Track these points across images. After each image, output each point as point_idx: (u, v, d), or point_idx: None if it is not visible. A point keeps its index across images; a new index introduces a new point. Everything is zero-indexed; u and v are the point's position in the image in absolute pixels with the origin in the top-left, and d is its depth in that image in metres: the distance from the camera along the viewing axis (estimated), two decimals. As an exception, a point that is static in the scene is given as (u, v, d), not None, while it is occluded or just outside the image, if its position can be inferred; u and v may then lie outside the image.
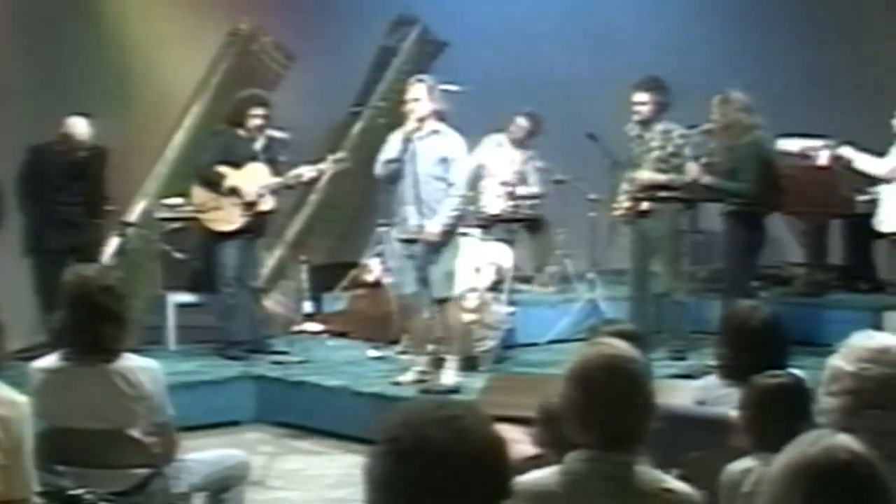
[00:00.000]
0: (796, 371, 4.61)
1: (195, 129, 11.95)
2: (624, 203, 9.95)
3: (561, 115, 11.93)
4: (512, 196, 11.66)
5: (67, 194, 10.34)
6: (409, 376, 9.23)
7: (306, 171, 10.31)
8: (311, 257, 12.27)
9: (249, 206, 10.15)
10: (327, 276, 12.26)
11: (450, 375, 9.16)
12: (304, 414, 9.54)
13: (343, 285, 12.09)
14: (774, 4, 13.05)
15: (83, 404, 5.44)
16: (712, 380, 5.62)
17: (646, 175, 9.77)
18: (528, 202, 11.81)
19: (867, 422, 3.31)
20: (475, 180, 11.13)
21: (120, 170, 10.65)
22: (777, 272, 11.84)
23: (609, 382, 3.48)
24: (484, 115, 11.10)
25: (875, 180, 10.52)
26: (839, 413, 3.46)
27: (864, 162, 10.48)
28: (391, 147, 8.97)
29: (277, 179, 10.18)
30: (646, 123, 9.80)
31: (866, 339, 3.54)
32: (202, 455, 5.97)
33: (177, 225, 10.98)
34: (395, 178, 8.96)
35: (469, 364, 9.53)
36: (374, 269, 11.29)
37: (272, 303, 11.67)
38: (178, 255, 10.92)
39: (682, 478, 3.61)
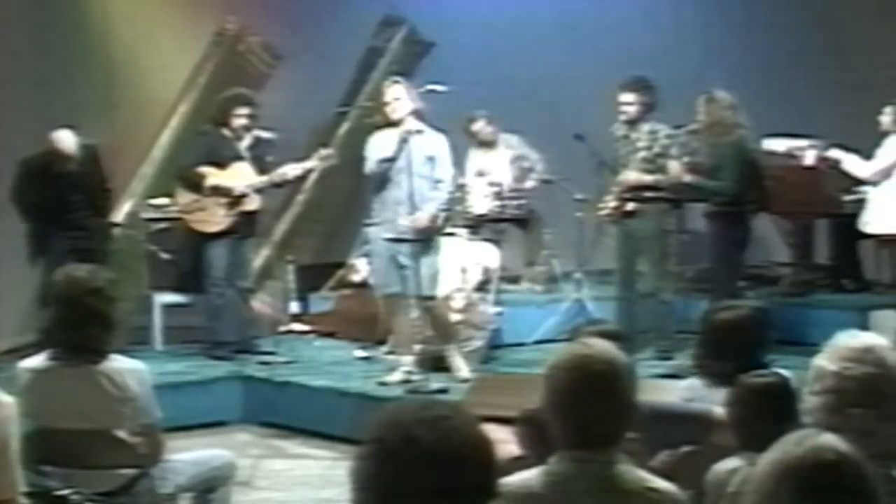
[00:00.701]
0: (782, 371, 4.62)
1: (182, 129, 11.95)
2: (610, 203, 9.96)
3: (548, 116, 11.94)
4: (499, 196, 11.65)
5: (69, 202, 10.25)
6: (395, 376, 9.23)
7: (292, 170, 10.29)
8: (297, 257, 12.28)
9: (233, 204, 10.13)
10: (314, 277, 12.25)
11: (463, 368, 9.24)
12: (291, 414, 9.54)
13: (330, 285, 12.09)
14: (761, 5, 13.07)
15: (69, 405, 5.44)
16: (698, 380, 5.64)
17: (632, 176, 9.78)
18: (516, 202, 11.81)
19: (849, 421, 3.32)
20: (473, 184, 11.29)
21: (106, 170, 10.62)
22: (763, 272, 11.85)
23: (586, 382, 3.48)
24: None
25: (861, 181, 10.57)
26: (822, 412, 3.47)
27: (851, 163, 10.52)
28: (384, 146, 8.96)
29: (264, 178, 10.16)
30: (632, 124, 9.81)
31: (850, 339, 3.55)
32: (188, 456, 5.97)
33: (163, 225, 10.96)
34: (386, 178, 8.96)
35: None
36: (360, 269, 11.28)
37: (259, 303, 11.66)
38: (165, 256, 10.90)
39: (668, 476, 3.61)
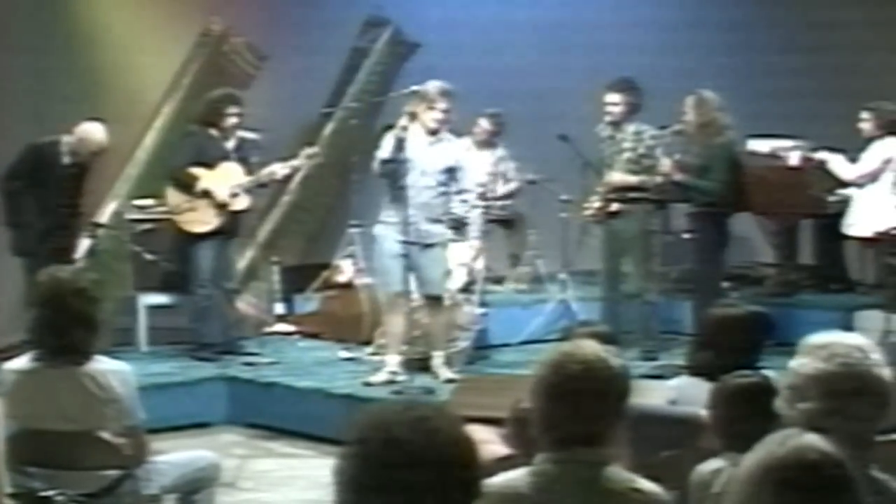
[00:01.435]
0: (766, 371, 4.63)
1: (166, 130, 11.93)
2: (595, 204, 9.97)
3: (533, 117, 11.95)
4: (484, 197, 11.64)
5: (58, 196, 10.22)
6: (380, 377, 9.23)
7: (279, 168, 10.28)
8: (282, 258, 12.27)
9: (223, 206, 10.12)
10: (299, 278, 12.24)
11: (445, 370, 9.25)
12: (276, 415, 9.52)
13: (315, 286, 12.07)
14: (744, 7, 13.10)
15: (54, 406, 5.43)
16: (685, 380, 5.66)
17: (617, 176, 9.79)
18: (500, 202, 11.81)
19: (799, 415, 3.35)
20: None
21: (90, 171, 10.60)
22: (748, 272, 11.88)
23: (569, 382, 3.48)
24: (456, 117, 11.11)
25: (846, 183, 10.61)
26: (783, 408, 3.51)
27: (837, 164, 10.57)
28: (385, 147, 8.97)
29: (250, 178, 10.15)
30: (617, 124, 9.83)
31: (818, 337, 3.57)
32: (173, 457, 5.96)
33: (148, 226, 10.94)
34: (394, 176, 8.96)
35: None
36: (345, 270, 11.29)
37: (243, 304, 11.63)
38: (149, 257, 10.88)
39: (653, 478, 3.62)
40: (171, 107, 12.06)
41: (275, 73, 12.41)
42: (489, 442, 5.09)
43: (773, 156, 11.03)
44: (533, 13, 13.25)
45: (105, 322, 5.96)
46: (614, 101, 9.77)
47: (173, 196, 10.24)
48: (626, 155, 9.79)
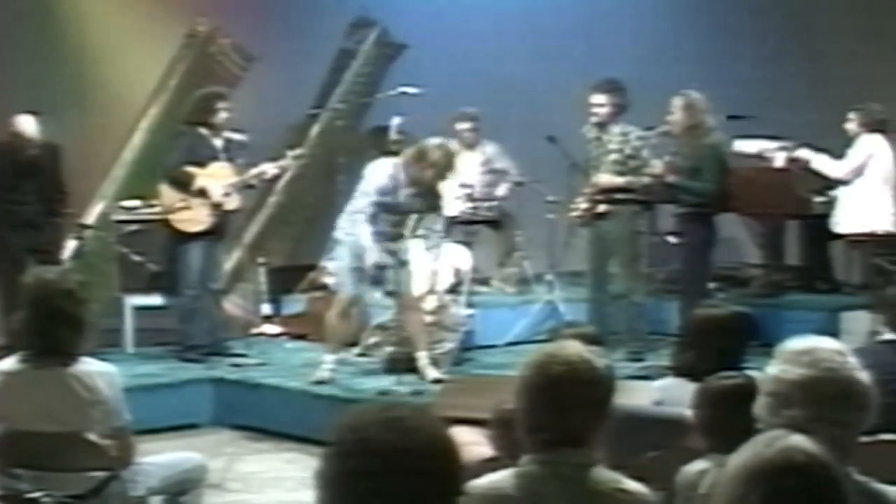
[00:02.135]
0: (751, 372, 4.64)
1: (152, 130, 11.91)
2: (582, 205, 9.98)
3: (520, 118, 11.95)
4: (471, 198, 11.65)
5: (21, 193, 10.23)
6: (322, 374, 9.33)
7: (269, 168, 10.28)
8: (269, 259, 12.26)
9: (217, 205, 10.10)
10: (285, 279, 12.24)
11: (431, 370, 9.27)
12: (263, 416, 9.52)
13: (301, 287, 12.07)
14: (730, 7, 13.11)
15: (40, 407, 5.42)
16: (670, 381, 5.67)
17: (604, 177, 9.80)
18: (487, 203, 11.81)
19: (784, 421, 3.34)
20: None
21: (77, 172, 10.58)
22: (734, 273, 11.89)
23: (553, 383, 3.48)
24: (442, 119, 11.13)
25: (832, 182, 10.64)
26: (764, 415, 3.50)
27: (821, 163, 10.60)
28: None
29: (241, 177, 10.14)
30: (603, 125, 9.83)
31: (795, 342, 3.57)
32: (159, 458, 5.95)
33: (134, 227, 10.93)
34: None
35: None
36: (332, 271, 11.27)
37: (230, 305, 11.62)
38: (136, 258, 10.87)
39: (639, 478, 3.62)
40: (158, 108, 12.04)
41: (261, 74, 12.39)
42: (475, 443, 5.09)
43: (759, 157, 11.05)
44: (520, 16, 13.26)
45: (91, 323, 5.95)
46: (600, 103, 9.77)
47: (168, 195, 10.20)
48: (613, 156, 9.79)
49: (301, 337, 11.31)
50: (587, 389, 3.50)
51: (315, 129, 12.70)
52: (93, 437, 5.41)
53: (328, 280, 11.26)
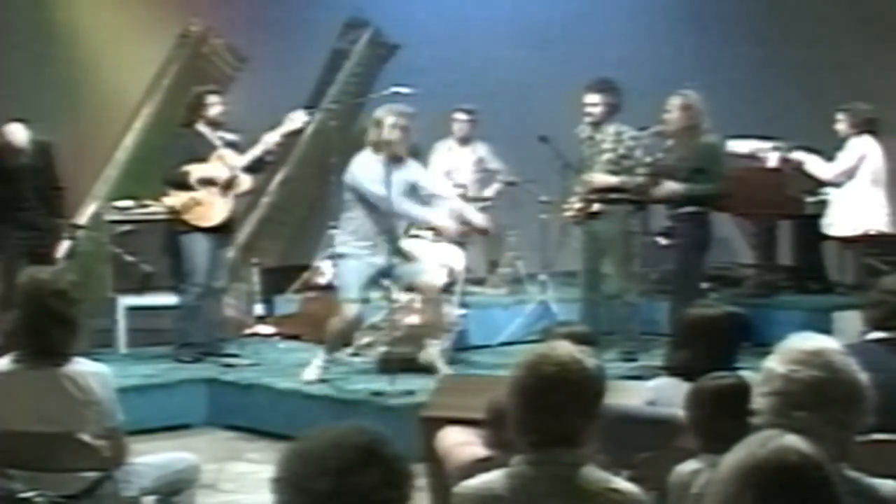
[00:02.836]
0: (744, 372, 4.64)
1: (145, 131, 11.90)
2: (575, 205, 9.98)
3: (513, 118, 11.95)
4: (465, 198, 11.65)
5: (20, 199, 10.18)
6: (311, 371, 9.34)
7: (269, 137, 10.11)
8: (262, 260, 12.26)
9: (227, 189, 10.05)
10: (279, 279, 12.24)
11: (442, 364, 9.37)
12: (256, 417, 9.50)
13: (295, 288, 12.07)
14: (725, 6, 13.12)
15: (33, 408, 5.42)
16: (663, 381, 5.67)
17: (597, 178, 9.80)
18: (480, 203, 11.81)
19: (793, 423, 3.33)
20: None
21: (70, 172, 10.55)
22: (727, 273, 11.89)
23: (544, 383, 3.49)
24: (435, 118, 11.14)
25: (824, 183, 10.66)
26: (769, 414, 3.48)
27: (813, 165, 10.62)
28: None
29: (248, 155, 10.08)
30: (597, 125, 9.83)
31: (801, 341, 3.56)
32: (152, 458, 5.95)
33: (127, 227, 10.92)
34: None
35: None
36: (325, 271, 11.28)
37: (224, 305, 11.62)
38: (129, 258, 10.86)
39: (632, 478, 3.62)
40: (151, 108, 12.02)
41: (254, 74, 12.39)
42: (468, 443, 5.10)
43: (752, 157, 11.06)
44: (513, 15, 13.28)
45: (84, 324, 5.94)
46: (594, 102, 9.78)
47: (174, 198, 10.13)
48: (606, 156, 9.80)
49: (294, 337, 11.30)
50: (578, 389, 3.50)
51: (308, 130, 12.68)
52: (86, 437, 5.41)
53: (322, 280, 11.28)
